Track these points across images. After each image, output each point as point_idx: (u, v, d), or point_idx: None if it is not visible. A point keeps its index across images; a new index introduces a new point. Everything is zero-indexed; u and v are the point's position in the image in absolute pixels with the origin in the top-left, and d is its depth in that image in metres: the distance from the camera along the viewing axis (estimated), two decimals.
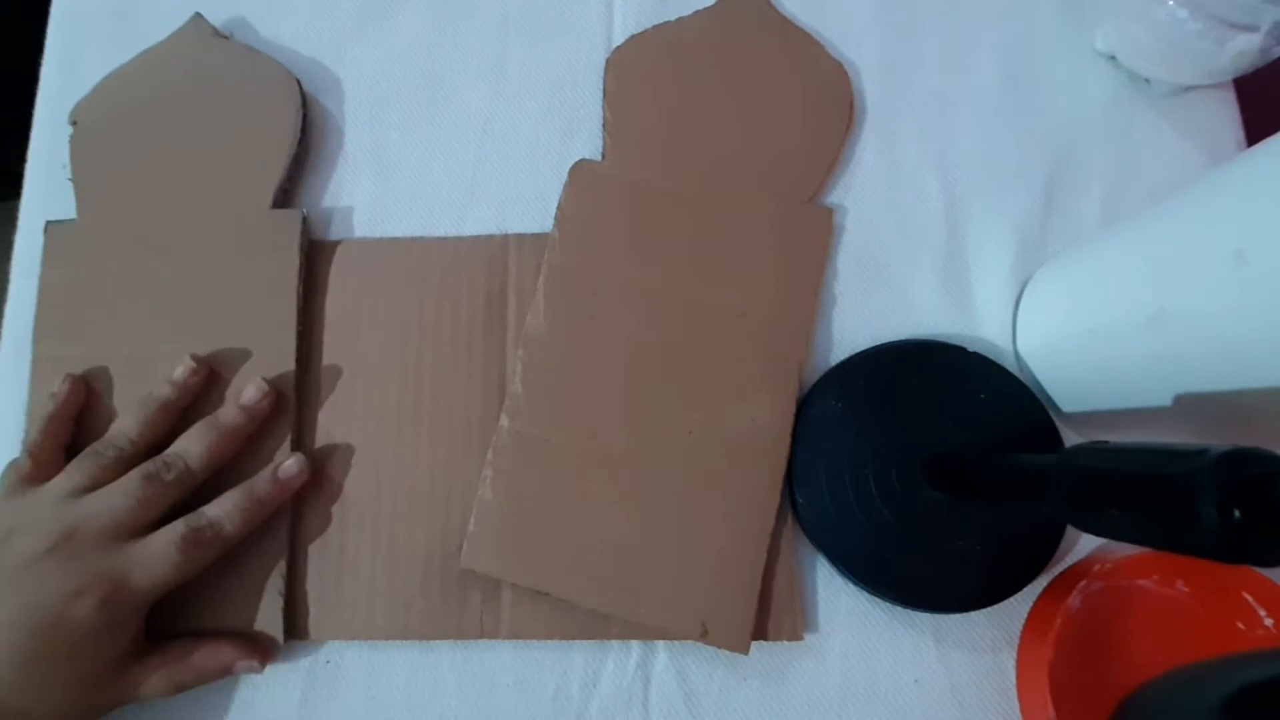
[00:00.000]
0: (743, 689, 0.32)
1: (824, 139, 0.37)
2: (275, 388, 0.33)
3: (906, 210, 0.38)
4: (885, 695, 0.32)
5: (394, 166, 0.38)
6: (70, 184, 0.36)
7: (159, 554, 0.29)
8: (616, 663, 0.33)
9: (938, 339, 0.35)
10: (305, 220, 0.36)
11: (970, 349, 0.35)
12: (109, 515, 0.29)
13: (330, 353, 0.35)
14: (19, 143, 0.39)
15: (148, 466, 0.30)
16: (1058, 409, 0.34)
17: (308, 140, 0.38)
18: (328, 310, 0.36)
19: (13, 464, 0.31)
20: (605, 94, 0.37)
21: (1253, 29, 0.32)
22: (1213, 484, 0.18)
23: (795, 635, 0.32)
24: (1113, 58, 0.40)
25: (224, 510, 0.30)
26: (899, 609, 0.33)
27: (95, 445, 0.31)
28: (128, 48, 0.38)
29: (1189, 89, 0.39)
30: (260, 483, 0.31)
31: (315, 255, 0.36)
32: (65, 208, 0.36)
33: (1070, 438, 0.34)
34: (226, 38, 0.39)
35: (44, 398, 0.33)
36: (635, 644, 0.33)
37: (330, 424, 0.34)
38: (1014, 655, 0.33)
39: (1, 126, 0.47)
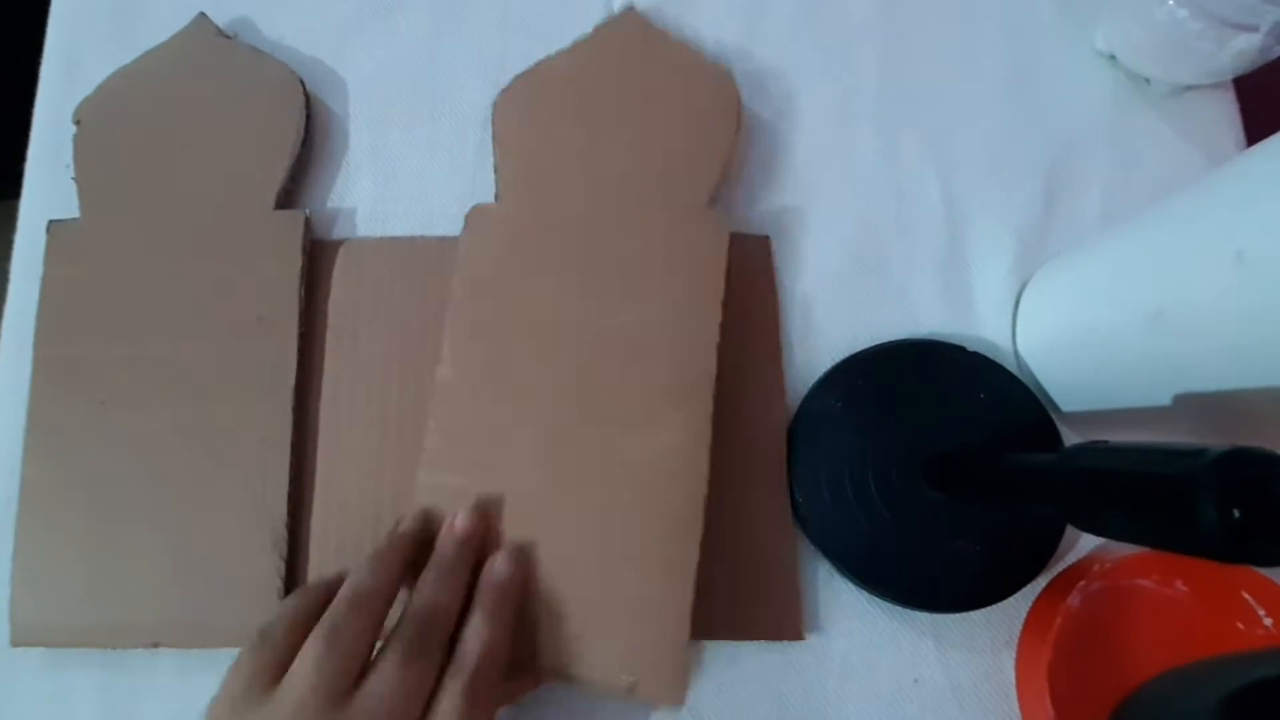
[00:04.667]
0: (743, 689, 0.32)
1: (712, 142, 0.36)
2: None
3: (906, 210, 0.38)
4: (885, 695, 0.32)
5: (394, 166, 0.39)
6: (73, 183, 0.37)
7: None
8: None
9: (938, 339, 0.36)
10: (308, 221, 0.36)
11: (970, 349, 0.35)
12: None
13: (331, 352, 0.35)
14: (19, 142, 0.39)
15: (400, 643, 0.24)
16: (1058, 409, 0.34)
17: (309, 140, 0.38)
18: (329, 310, 0.36)
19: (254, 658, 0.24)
20: (494, 137, 0.36)
21: (1253, 29, 0.32)
22: (1212, 484, 0.18)
23: (796, 635, 0.32)
24: (1113, 58, 0.40)
25: (474, 634, 0.26)
26: (899, 609, 0.33)
27: (328, 620, 0.24)
28: (128, 47, 0.38)
29: (1189, 89, 0.39)
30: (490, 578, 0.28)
31: (316, 255, 0.36)
32: (65, 207, 0.36)
33: (1070, 438, 0.34)
34: (231, 38, 0.39)
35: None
36: None
37: (331, 423, 0.34)
38: (1014, 655, 0.33)
39: (1, 126, 0.47)
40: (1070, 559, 0.34)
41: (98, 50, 0.39)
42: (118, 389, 0.34)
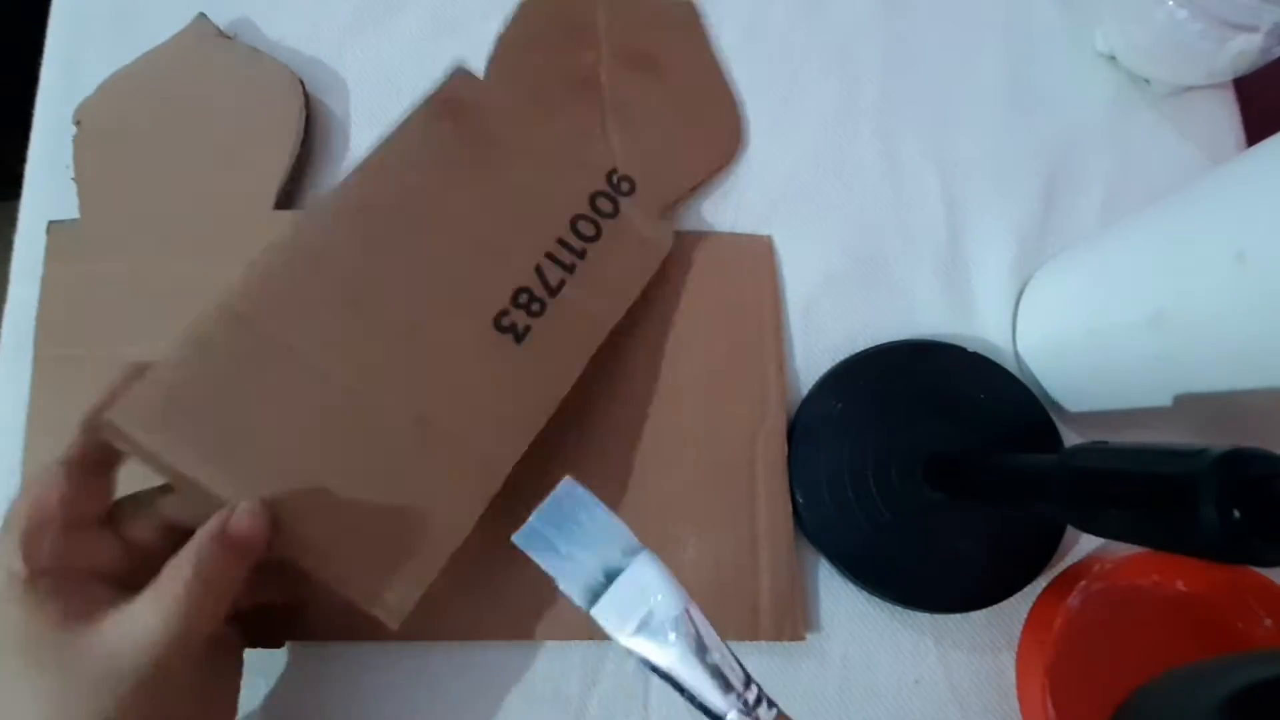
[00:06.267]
0: None
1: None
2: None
3: (906, 210, 0.38)
4: (885, 695, 0.32)
5: None
6: (73, 183, 0.37)
7: None
8: (616, 662, 0.33)
9: (938, 339, 0.35)
10: None
11: (970, 349, 0.35)
12: None
13: None
14: (19, 142, 0.39)
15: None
16: (1058, 409, 0.34)
17: (310, 140, 0.38)
18: None
19: None
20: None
21: (1253, 29, 0.33)
22: (1213, 484, 0.18)
23: (796, 635, 0.32)
24: (1113, 58, 0.40)
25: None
26: (899, 609, 0.33)
27: None
28: (128, 48, 0.38)
29: (1189, 89, 0.39)
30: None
31: None
32: (65, 208, 0.36)
33: (1070, 438, 0.34)
34: (230, 38, 0.39)
35: None
36: None
37: None
38: (1014, 655, 0.33)
39: (1, 126, 0.47)
40: (1070, 559, 0.34)
41: (98, 50, 0.39)
42: None
